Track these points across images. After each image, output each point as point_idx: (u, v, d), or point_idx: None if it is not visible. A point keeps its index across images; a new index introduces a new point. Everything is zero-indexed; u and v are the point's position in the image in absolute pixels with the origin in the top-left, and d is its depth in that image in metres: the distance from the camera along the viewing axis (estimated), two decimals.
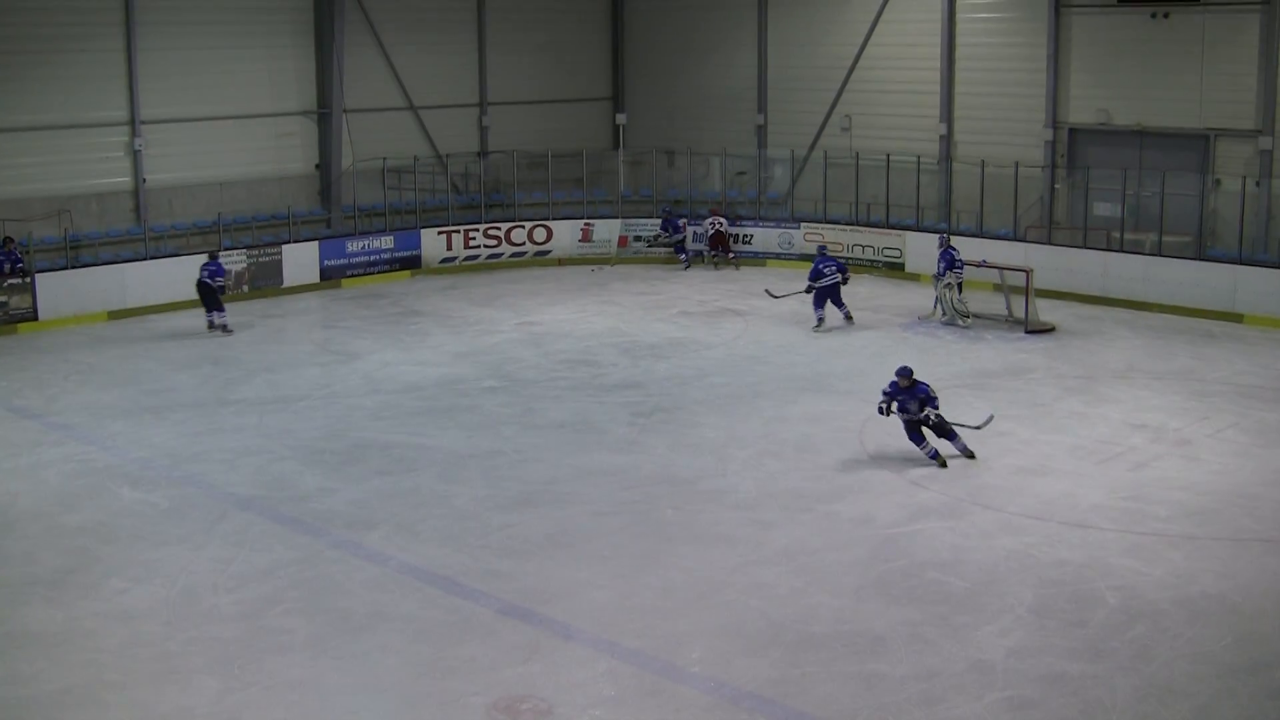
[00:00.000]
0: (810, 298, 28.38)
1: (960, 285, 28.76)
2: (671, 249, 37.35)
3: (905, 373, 19.75)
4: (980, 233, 33.18)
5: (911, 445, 19.84)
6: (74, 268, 31.53)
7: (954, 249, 28.87)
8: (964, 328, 28.15)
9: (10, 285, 30.11)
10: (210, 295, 29.79)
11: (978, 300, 29.29)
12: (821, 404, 23.07)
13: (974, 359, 25.86)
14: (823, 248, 30.26)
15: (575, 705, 12.83)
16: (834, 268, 28.33)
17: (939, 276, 28.85)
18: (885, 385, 20.06)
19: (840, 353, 25.76)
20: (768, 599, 15.15)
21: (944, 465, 19.54)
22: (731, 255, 36.62)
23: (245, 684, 13.35)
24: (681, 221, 37.19)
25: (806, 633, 14.22)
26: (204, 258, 30.25)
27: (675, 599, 15.26)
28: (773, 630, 14.31)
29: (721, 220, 36.76)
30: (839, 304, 28.51)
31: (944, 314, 28.76)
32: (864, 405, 22.50)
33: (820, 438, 21.14)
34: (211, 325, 29.56)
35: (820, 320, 28.17)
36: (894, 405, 19.89)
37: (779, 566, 16.09)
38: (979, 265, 29.03)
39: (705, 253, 36.85)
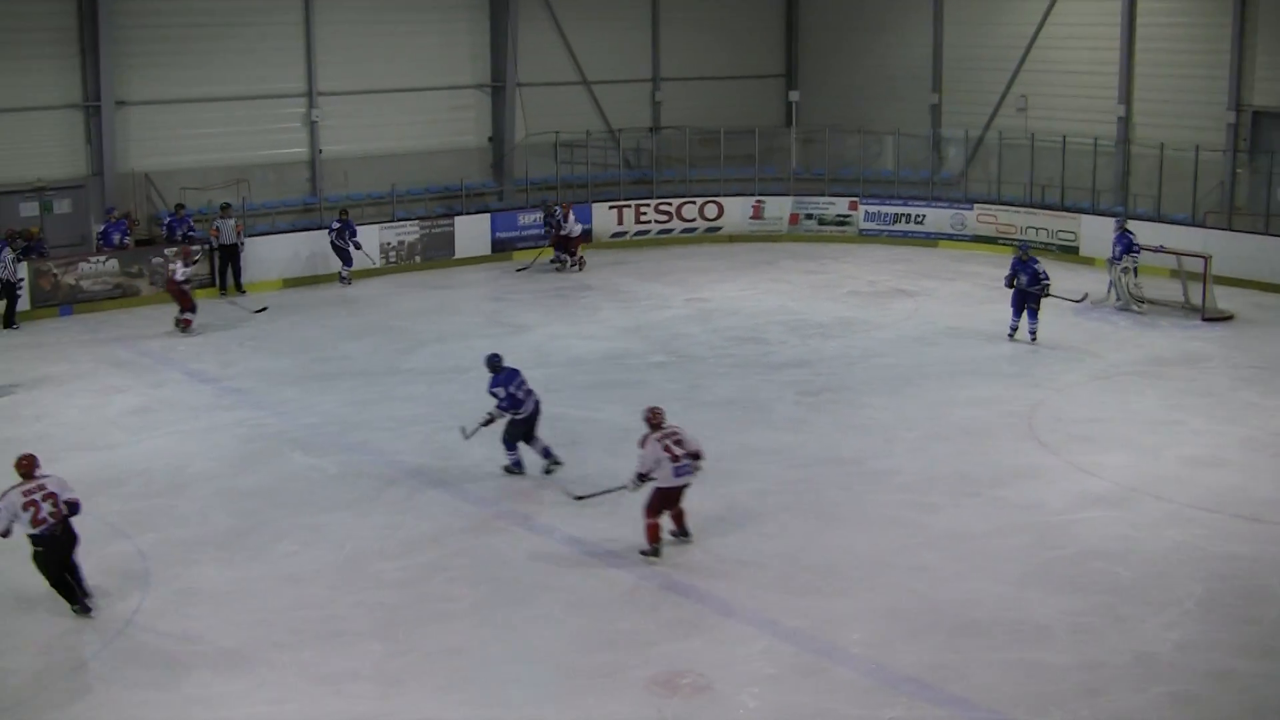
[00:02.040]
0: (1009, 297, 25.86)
1: (1136, 270, 28.22)
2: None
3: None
4: (1158, 217, 32.44)
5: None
6: (251, 236, 32.10)
7: (1131, 233, 28.32)
8: (1138, 313, 27.60)
9: (190, 252, 30.81)
10: (342, 253, 31.92)
11: (1153, 286, 28.69)
12: (990, 387, 22.79)
13: (1147, 346, 25.36)
14: (1025, 246, 27.32)
15: (734, 682, 12.84)
16: (1028, 277, 25.40)
17: (1115, 261, 28.31)
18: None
19: (1023, 326, 25.35)
20: (930, 582, 15.02)
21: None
22: (576, 257, 34.03)
23: (408, 649, 13.55)
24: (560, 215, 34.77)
25: (968, 618, 14.08)
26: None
27: (837, 579, 15.19)
28: (934, 614, 14.19)
29: (562, 215, 34.22)
30: (1033, 316, 25.46)
31: (1118, 299, 28.22)
32: (1033, 389, 22.27)
33: (988, 421, 20.89)
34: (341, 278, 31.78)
35: (1013, 330, 25.80)
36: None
37: (942, 550, 15.94)
38: (1156, 250, 28.44)
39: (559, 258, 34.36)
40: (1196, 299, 27.68)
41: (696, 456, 15.95)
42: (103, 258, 29.94)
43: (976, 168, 38.38)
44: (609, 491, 16.83)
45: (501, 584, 15.15)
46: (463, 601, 14.73)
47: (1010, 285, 25.44)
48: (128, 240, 30.96)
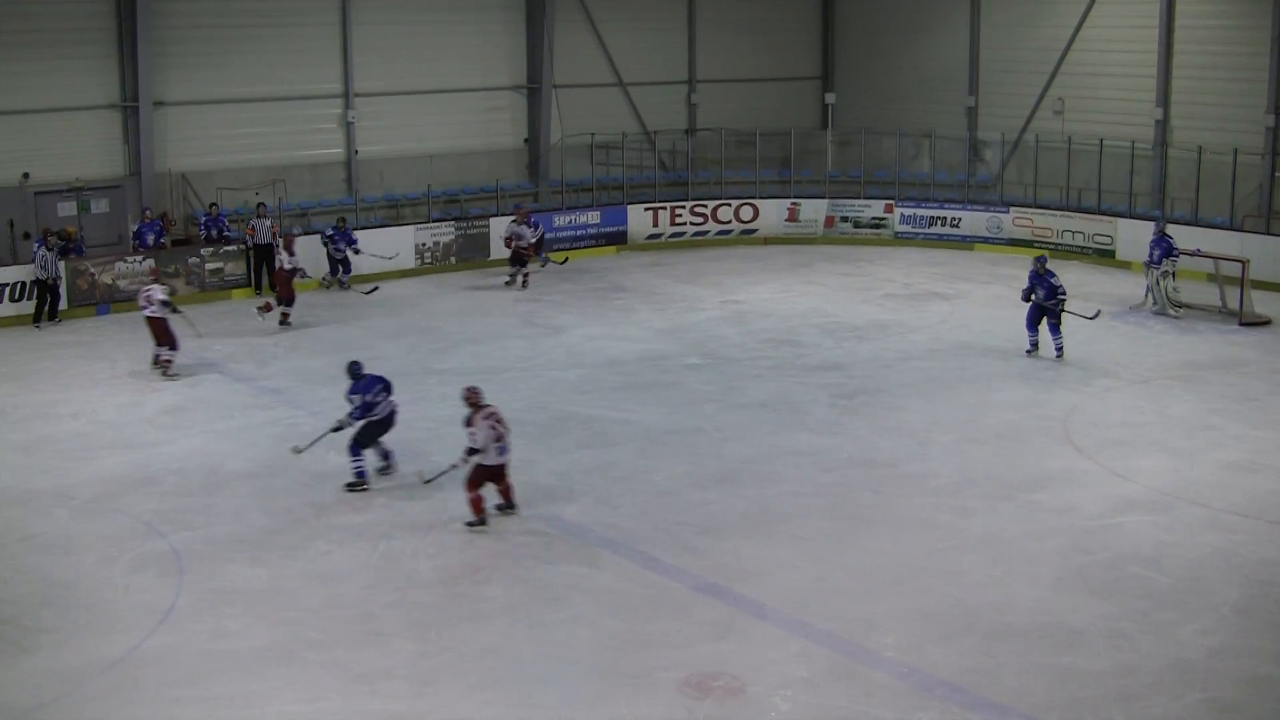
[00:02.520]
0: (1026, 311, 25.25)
1: (1174, 274, 28.06)
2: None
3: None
4: (1195, 221, 32.31)
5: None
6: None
7: (1169, 237, 28.17)
8: (1175, 318, 27.47)
9: (225, 252, 31.01)
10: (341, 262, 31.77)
11: (1191, 290, 28.55)
12: (1025, 391, 22.72)
13: (1184, 350, 25.24)
14: (1042, 259, 25.41)
15: (767, 684, 12.82)
16: (1045, 290, 24.73)
17: (1153, 264, 28.16)
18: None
19: (1045, 341, 25.23)
20: (964, 586, 14.97)
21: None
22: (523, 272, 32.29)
23: (441, 649, 13.57)
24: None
25: (1002, 622, 14.03)
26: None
27: (870, 582, 15.16)
28: (968, 618, 14.14)
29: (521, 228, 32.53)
30: (1055, 331, 24.76)
31: (1155, 303, 28.09)
32: (1068, 394, 22.20)
33: (1023, 425, 20.82)
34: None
35: (1033, 346, 25.07)
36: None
37: (977, 554, 15.89)
38: (1193, 254, 28.31)
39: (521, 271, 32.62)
40: (1234, 303, 27.54)
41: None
42: (139, 257, 30.06)
43: (1012, 171, 38.29)
44: (446, 472, 17.31)
45: (534, 584, 15.17)
46: (495, 602, 14.76)
47: (1027, 299, 24.98)
48: (163, 240, 31.12)
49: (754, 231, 37.95)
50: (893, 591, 14.90)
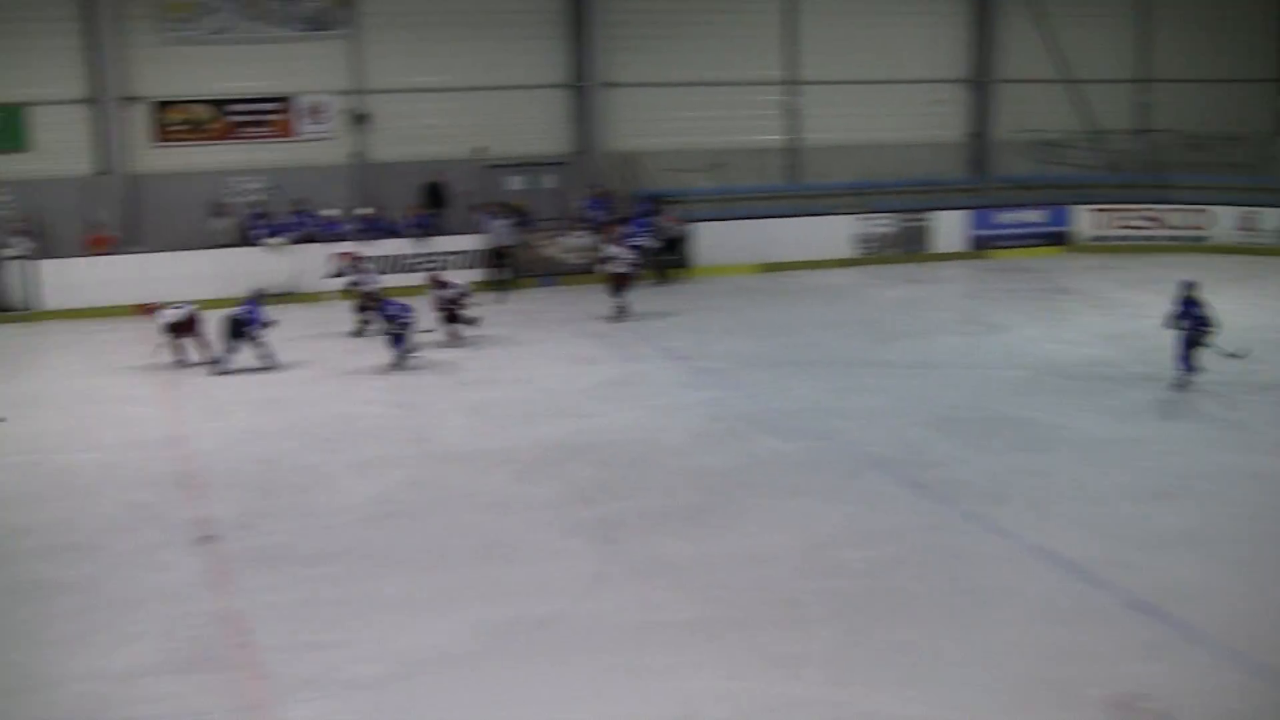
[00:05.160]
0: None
1: None
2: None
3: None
4: None
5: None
6: (727, 220, 32.59)
7: None
8: None
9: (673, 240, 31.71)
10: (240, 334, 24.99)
11: None
12: None
13: None
14: (1190, 282, 22.90)
15: (1196, 714, 12.10)
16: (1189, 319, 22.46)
17: None
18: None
19: None
20: None
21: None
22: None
23: (863, 640, 13.35)
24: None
25: None
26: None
27: None
28: None
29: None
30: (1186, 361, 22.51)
31: None
32: None
33: None
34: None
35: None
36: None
37: None
38: None
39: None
40: None
41: None
42: (583, 232, 30.89)
43: None
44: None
45: (962, 584, 14.80)
46: (922, 598, 14.46)
47: (1178, 327, 22.46)
48: (608, 218, 31.86)
49: (1205, 239, 36.39)
50: None
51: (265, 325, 24.51)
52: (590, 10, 33.52)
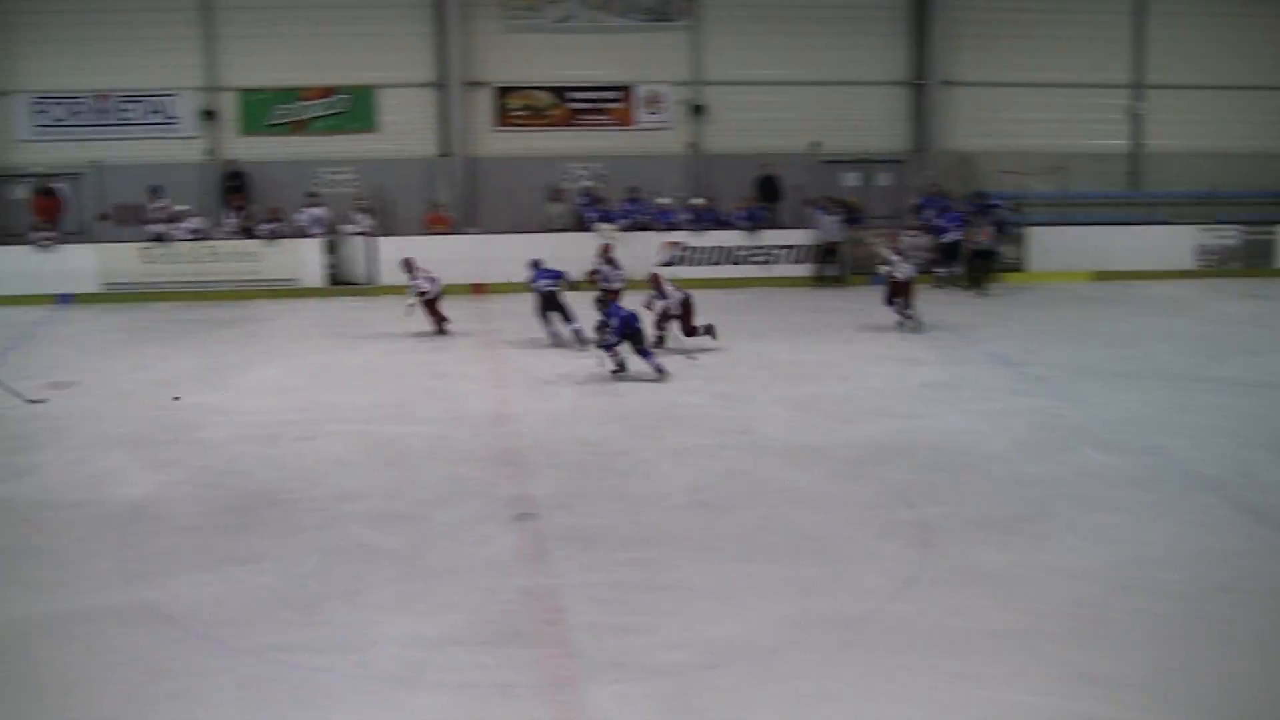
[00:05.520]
0: None
1: None
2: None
3: None
4: None
5: None
6: (1065, 224, 32.03)
7: None
8: None
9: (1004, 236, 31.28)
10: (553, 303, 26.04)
11: None
12: None
13: None
14: None
15: None
16: None
17: None
18: None
19: None
20: None
21: None
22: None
23: (1179, 666, 12.80)
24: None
25: None
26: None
27: None
28: None
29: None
30: None
31: None
32: None
33: None
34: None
35: None
36: None
37: None
38: None
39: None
40: None
41: None
42: (916, 232, 30.71)
43: None
44: None
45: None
46: (1245, 628, 13.92)
47: None
48: (946, 220, 31.57)
49: None
50: None
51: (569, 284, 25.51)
52: (933, 8, 33.33)
